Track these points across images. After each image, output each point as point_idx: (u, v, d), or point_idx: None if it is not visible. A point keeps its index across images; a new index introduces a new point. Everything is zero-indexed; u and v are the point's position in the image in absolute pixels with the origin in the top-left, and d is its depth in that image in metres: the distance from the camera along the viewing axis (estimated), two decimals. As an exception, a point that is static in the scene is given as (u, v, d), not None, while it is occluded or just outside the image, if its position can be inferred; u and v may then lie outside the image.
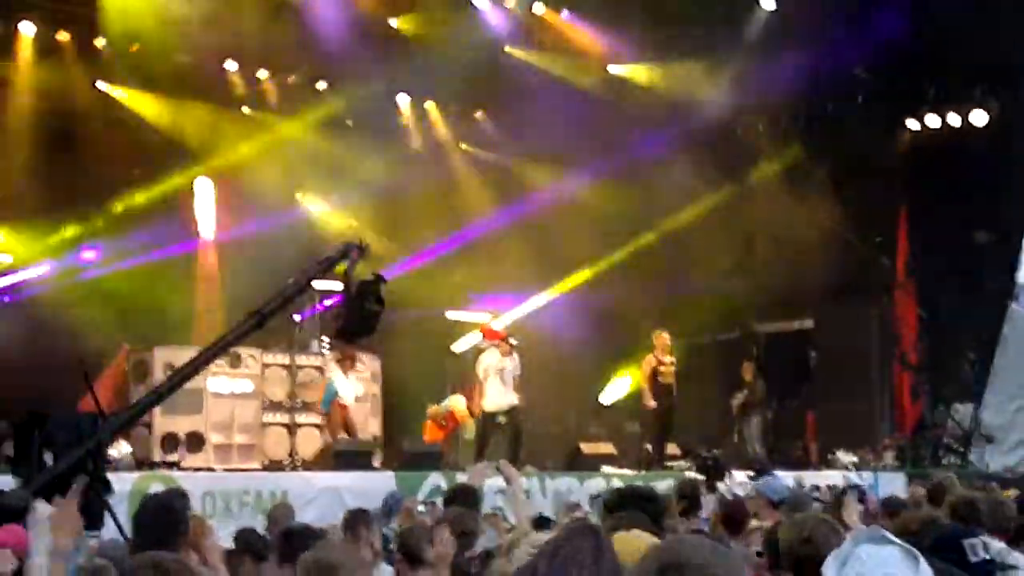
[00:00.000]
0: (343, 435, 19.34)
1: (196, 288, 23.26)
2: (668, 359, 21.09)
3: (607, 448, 20.89)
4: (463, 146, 26.44)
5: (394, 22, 23.55)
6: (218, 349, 6.10)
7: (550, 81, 24.28)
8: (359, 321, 4.93)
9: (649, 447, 21.33)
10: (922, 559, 3.51)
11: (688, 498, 10.52)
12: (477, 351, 20.66)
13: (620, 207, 24.74)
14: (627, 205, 24.70)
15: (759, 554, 7.76)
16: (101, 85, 22.55)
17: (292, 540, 7.41)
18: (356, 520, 9.52)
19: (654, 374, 20.96)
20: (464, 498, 9.81)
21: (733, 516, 10.17)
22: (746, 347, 26.16)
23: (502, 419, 19.63)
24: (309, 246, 23.48)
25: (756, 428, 23.06)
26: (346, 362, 19.83)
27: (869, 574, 3.38)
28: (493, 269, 24.08)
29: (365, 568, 5.50)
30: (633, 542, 5.95)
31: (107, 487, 5.56)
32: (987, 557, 5.53)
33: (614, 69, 25.09)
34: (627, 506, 7.59)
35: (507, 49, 24.66)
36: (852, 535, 3.60)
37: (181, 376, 6.14)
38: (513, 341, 19.86)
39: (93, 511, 8.35)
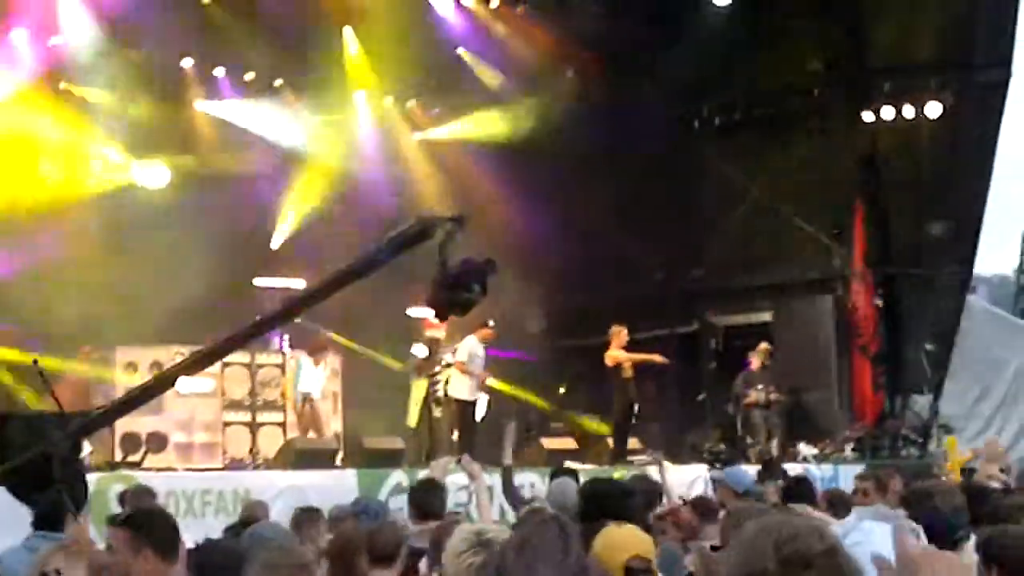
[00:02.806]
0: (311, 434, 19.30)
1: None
2: (627, 354, 21.13)
3: (569, 444, 20.95)
4: (416, 140, 26.47)
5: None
6: (244, 336, 5.89)
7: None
8: (451, 302, 4.62)
9: (611, 441, 21.36)
10: (923, 534, 3.60)
11: (646, 492, 10.56)
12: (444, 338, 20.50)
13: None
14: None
15: (713, 548, 7.78)
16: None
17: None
18: (303, 519, 9.54)
19: (617, 368, 21.00)
20: (428, 493, 9.79)
21: (705, 507, 10.27)
22: (704, 340, 26.26)
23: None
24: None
25: (777, 421, 22.90)
26: (319, 353, 19.71)
27: (869, 543, 3.46)
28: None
29: (310, 567, 5.52)
30: (623, 534, 6.00)
31: (83, 490, 5.54)
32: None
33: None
34: (603, 502, 7.65)
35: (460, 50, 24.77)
36: (857, 511, 3.71)
37: (190, 364, 6.01)
38: (491, 323, 19.90)
39: (56, 513, 8.33)
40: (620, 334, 21.16)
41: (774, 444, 21.87)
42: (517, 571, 3.23)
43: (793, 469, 18.52)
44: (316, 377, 19.68)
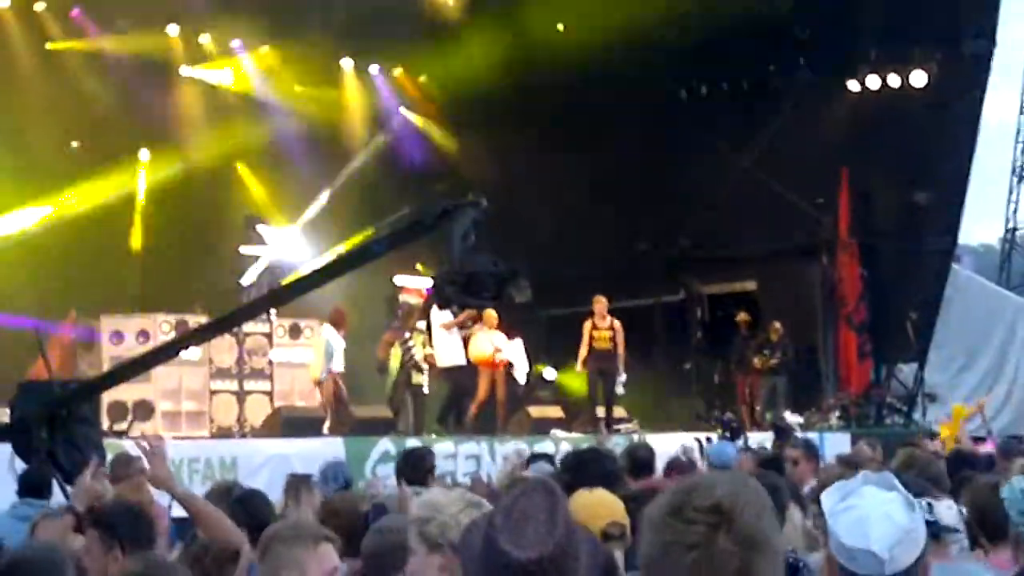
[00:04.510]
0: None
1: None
2: (604, 324, 21.07)
3: (556, 412, 21.00)
4: (403, 111, 26.50)
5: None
6: (231, 321, 5.84)
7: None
8: (457, 302, 4.34)
9: (600, 410, 21.41)
10: (918, 507, 3.58)
11: (637, 459, 10.59)
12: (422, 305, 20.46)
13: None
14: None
15: None
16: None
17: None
18: (297, 484, 9.59)
19: (589, 339, 21.03)
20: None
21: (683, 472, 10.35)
22: (690, 309, 26.34)
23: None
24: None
25: (784, 389, 23.06)
26: (341, 323, 19.61)
27: (866, 508, 3.46)
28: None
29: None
30: (595, 500, 6.05)
31: (75, 454, 5.56)
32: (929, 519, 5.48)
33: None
34: (585, 467, 7.68)
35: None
36: (862, 474, 3.66)
37: (194, 337, 6.03)
38: None
39: (41, 481, 8.37)
40: (599, 303, 21.17)
41: (783, 411, 22.09)
42: (505, 533, 3.27)
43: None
44: (341, 349, 19.51)
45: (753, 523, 2.72)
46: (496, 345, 20.43)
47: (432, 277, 4.73)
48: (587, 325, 21.02)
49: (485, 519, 3.45)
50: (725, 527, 2.69)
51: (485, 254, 4.11)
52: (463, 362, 19.80)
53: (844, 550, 3.49)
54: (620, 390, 20.89)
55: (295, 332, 20.88)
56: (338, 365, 19.30)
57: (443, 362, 19.68)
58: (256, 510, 7.22)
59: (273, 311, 20.98)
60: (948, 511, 5.26)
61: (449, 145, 26.16)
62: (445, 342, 19.72)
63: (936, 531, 4.98)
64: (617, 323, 20.95)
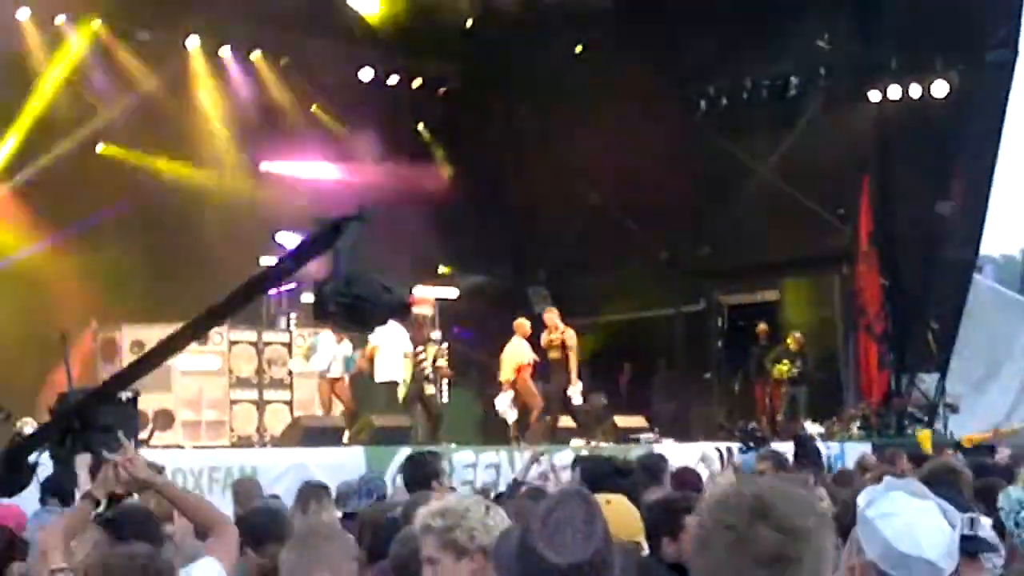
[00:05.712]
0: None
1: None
2: (556, 334, 20.95)
3: (572, 422, 20.95)
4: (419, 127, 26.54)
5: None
6: (164, 350, 5.75)
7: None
8: (334, 320, 4.22)
9: (616, 420, 21.34)
10: (952, 517, 3.52)
11: (648, 468, 10.56)
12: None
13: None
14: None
15: None
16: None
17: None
18: (308, 494, 9.59)
19: (543, 351, 21.02)
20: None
21: (685, 483, 10.34)
22: (711, 319, 26.29)
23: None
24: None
25: (804, 399, 23.05)
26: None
27: (910, 515, 3.42)
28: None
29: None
30: (611, 512, 6.03)
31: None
32: (971, 534, 5.13)
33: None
34: (603, 478, 7.66)
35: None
36: (886, 482, 3.63)
37: (146, 363, 5.99)
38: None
39: (62, 487, 8.36)
40: (548, 315, 21.14)
41: (803, 421, 22.02)
42: (543, 538, 3.27)
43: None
44: (334, 354, 19.44)
45: (792, 515, 2.93)
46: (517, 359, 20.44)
47: (314, 290, 4.57)
48: (542, 337, 21.03)
49: (520, 527, 3.44)
50: (763, 515, 2.91)
51: (375, 277, 4.03)
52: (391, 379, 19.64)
53: (896, 557, 3.40)
54: (577, 399, 20.71)
55: (315, 342, 20.88)
56: (335, 371, 19.31)
57: (380, 377, 19.41)
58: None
59: (293, 322, 21.02)
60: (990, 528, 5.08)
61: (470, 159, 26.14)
62: (384, 358, 19.38)
63: (975, 548, 4.78)
64: (570, 332, 20.82)
